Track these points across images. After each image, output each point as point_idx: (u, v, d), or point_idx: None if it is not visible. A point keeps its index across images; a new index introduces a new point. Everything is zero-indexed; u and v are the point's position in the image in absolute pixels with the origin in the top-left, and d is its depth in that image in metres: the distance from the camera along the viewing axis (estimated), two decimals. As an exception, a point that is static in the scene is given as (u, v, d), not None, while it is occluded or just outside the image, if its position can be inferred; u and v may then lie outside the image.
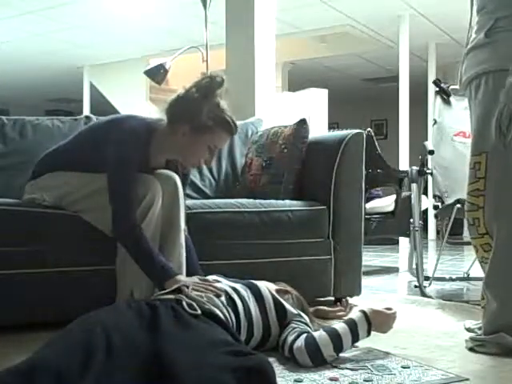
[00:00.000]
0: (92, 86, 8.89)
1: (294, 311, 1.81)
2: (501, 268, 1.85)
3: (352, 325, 1.73)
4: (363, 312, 1.77)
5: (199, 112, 1.98)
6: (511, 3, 1.85)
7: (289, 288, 1.93)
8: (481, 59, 1.91)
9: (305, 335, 1.68)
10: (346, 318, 2.06)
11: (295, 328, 1.72)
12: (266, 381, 1.23)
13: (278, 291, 1.86)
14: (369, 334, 1.76)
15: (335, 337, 1.68)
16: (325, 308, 2.23)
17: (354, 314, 1.81)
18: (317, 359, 1.64)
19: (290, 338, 1.69)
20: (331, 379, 1.54)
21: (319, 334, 1.68)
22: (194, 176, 2.97)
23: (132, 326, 1.35)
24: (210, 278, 1.87)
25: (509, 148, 1.81)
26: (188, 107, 2.00)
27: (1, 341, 1.91)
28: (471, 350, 1.85)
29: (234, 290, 1.74)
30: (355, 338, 1.72)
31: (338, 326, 1.73)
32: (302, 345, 1.65)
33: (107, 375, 1.18)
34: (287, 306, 1.81)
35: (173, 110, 2.04)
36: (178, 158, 2.14)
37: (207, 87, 2.00)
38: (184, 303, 1.51)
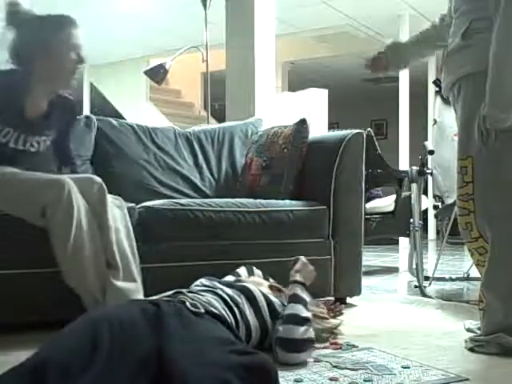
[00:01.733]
0: (92, 86, 8.89)
1: (281, 304, 1.84)
2: (499, 270, 1.85)
3: (296, 298, 1.80)
4: (295, 281, 1.87)
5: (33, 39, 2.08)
6: (484, 5, 1.85)
7: (281, 287, 1.94)
8: (459, 63, 1.91)
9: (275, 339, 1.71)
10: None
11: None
12: (269, 379, 1.24)
13: (270, 287, 1.89)
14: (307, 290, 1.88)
15: (292, 317, 1.71)
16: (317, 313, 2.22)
17: (292, 288, 1.86)
18: (297, 347, 1.68)
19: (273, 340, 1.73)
20: (331, 379, 1.54)
21: (280, 329, 1.71)
22: (194, 176, 2.97)
23: (136, 323, 1.35)
24: (203, 280, 1.87)
25: (492, 151, 1.82)
26: (23, 43, 2.08)
27: (1, 341, 1.91)
28: (471, 350, 1.85)
29: (229, 296, 1.74)
30: (304, 302, 1.79)
31: (288, 309, 1.77)
32: (277, 349, 1.68)
33: (110, 371, 1.19)
34: (276, 303, 1.83)
35: (15, 52, 2.11)
36: (55, 82, 2.17)
37: (12, 16, 2.09)
38: (187, 303, 1.51)
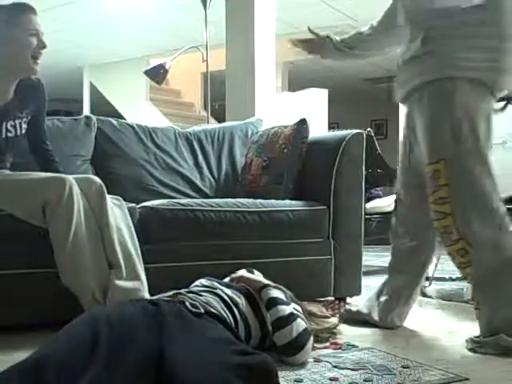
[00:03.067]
0: (92, 86, 8.90)
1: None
2: (486, 273, 1.87)
3: (272, 302, 1.75)
4: (263, 287, 1.81)
5: None
6: (438, 14, 1.89)
7: (281, 288, 1.94)
8: (418, 70, 1.94)
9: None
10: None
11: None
12: (270, 380, 1.24)
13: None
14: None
15: (278, 322, 1.70)
16: (316, 311, 2.22)
17: (264, 295, 1.80)
18: (297, 346, 1.67)
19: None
20: (331, 379, 1.54)
21: (275, 340, 1.70)
22: (195, 176, 2.98)
23: (135, 323, 1.35)
24: (202, 281, 1.87)
25: (466, 153, 1.85)
26: None
27: (1, 341, 1.91)
28: (471, 350, 1.85)
29: (228, 296, 1.74)
30: (280, 300, 1.76)
31: (271, 317, 1.73)
32: (283, 358, 1.68)
33: (110, 370, 1.19)
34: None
35: None
36: (18, 67, 2.18)
37: None
38: (187, 303, 1.51)
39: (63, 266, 1.98)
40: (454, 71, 1.86)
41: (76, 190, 2.01)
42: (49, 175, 2.08)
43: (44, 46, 2.19)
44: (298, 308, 1.83)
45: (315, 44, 2.40)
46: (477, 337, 1.89)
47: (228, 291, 1.77)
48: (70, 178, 2.04)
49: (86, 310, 1.86)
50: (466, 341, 1.90)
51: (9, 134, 2.18)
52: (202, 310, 1.50)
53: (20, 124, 2.22)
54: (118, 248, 2.03)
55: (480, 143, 1.88)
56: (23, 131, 2.25)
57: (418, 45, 1.93)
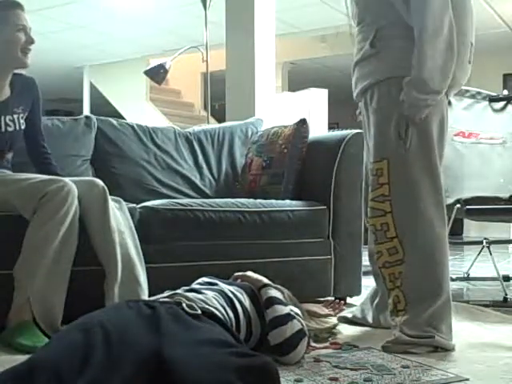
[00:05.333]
0: (92, 86, 8.90)
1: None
2: (419, 270, 1.89)
3: (270, 301, 1.76)
4: (262, 286, 1.82)
5: None
6: (387, 13, 1.92)
7: (281, 288, 1.95)
8: (370, 70, 1.97)
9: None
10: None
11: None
12: (271, 381, 1.23)
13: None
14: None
15: (274, 321, 1.70)
16: (316, 311, 2.22)
17: (264, 294, 1.81)
18: (291, 344, 1.67)
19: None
20: (331, 379, 1.54)
21: (270, 339, 1.70)
22: (195, 176, 2.98)
23: (132, 326, 1.34)
24: (204, 278, 1.87)
25: (408, 153, 1.88)
26: None
27: (1, 341, 1.91)
28: (390, 351, 1.83)
29: (231, 292, 1.75)
30: (278, 300, 1.77)
31: (268, 316, 1.74)
32: (276, 357, 1.67)
33: (106, 375, 1.18)
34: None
35: None
36: (7, 62, 2.19)
37: None
38: (184, 304, 1.51)
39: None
40: (402, 71, 1.87)
41: (74, 195, 2.00)
42: (50, 177, 2.08)
43: (32, 42, 2.21)
44: (297, 310, 1.83)
45: None
46: (401, 337, 1.86)
47: (231, 287, 1.78)
48: (71, 183, 2.02)
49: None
50: (389, 342, 1.87)
51: (8, 129, 2.20)
52: (199, 312, 1.49)
53: (18, 119, 2.24)
54: (117, 251, 2.03)
55: (426, 144, 1.90)
56: (22, 126, 2.26)
57: (368, 45, 1.96)
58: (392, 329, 1.92)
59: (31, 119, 2.32)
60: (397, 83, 1.88)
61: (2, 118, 2.18)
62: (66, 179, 2.03)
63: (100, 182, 2.10)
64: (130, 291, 2.00)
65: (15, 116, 2.23)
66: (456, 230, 6.81)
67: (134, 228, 2.15)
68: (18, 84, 2.27)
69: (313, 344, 1.86)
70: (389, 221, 1.91)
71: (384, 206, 1.92)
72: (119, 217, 2.11)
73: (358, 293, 2.71)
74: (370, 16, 1.99)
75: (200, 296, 1.62)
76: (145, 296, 2.02)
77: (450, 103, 3.59)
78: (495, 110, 3.67)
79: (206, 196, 2.90)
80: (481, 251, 3.43)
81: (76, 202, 2.00)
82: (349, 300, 2.70)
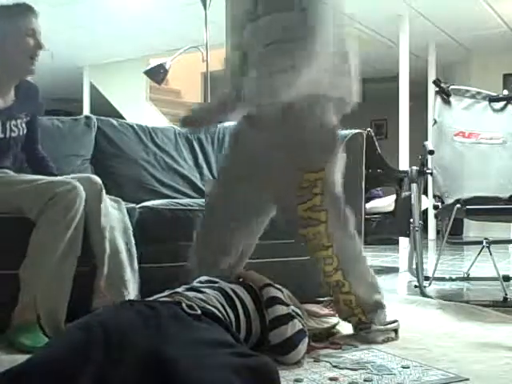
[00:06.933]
0: (92, 86, 8.89)
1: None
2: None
3: (270, 301, 1.77)
4: (263, 286, 1.83)
5: None
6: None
7: (281, 288, 1.95)
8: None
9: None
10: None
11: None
12: (270, 381, 1.23)
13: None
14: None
15: (275, 321, 1.71)
16: (316, 311, 2.22)
17: (265, 293, 1.82)
18: (291, 344, 1.68)
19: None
20: (331, 379, 1.54)
21: (270, 339, 1.71)
22: (195, 176, 2.97)
23: (132, 326, 1.34)
24: (205, 277, 1.87)
25: (337, 162, 2.01)
26: None
27: (1, 341, 1.91)
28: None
29: (231, 289, 1.75)
30: (278, 300, 1.77)
31: (269, 316, 1.75)
32: (276, 357, 1.66)
33: (105, 375, 1.18)
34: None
35: None
36: (15, 68, 2.18)
37: None
38: (184, 305, 1.50)
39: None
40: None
41: (82, 201, 1.99)
42: (61, 178, 2.08)
43: (40, 47, 2.20)
44: (298, 311, 1.83)
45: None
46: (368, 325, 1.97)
47: (232, 286, 1.78)
48: (81, 188, 2.00)
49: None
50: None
51: (13, 134, 2.20)
52: (199, 312, 1.49)
53: (21, 124, 2.24)
54: (106, 247, 2.01)
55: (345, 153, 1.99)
56: (25, 131, 2.26)
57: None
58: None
59: (31, 124, 2.31)
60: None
61: (8, 123, 2.18)
62: (74, 181, 2.03)
63: (98, 180, 2.10)
64: (115, 288, 1.99)
65: (19, 121, 2.23)
66: (456, 230, 6.81)
67: (130, 229, 2.14)
68: (22, 90, 2.26)
69: (313, 344, 1.86)
70: (322, 229, 1.94)
71: (319, 216, 1.94)
72: (113, 215, 2.10)
73: (358, 293, 2.71)
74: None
75: (200, 295, 1.62)
76: (129, 295, 2.01)
77: (449, 103, 3.62)
78: (495, 110, 3.67)
79: (206, 196, 2.89)
80: (481, 251, 3.43)
81: (83, 204, 1.99)
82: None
